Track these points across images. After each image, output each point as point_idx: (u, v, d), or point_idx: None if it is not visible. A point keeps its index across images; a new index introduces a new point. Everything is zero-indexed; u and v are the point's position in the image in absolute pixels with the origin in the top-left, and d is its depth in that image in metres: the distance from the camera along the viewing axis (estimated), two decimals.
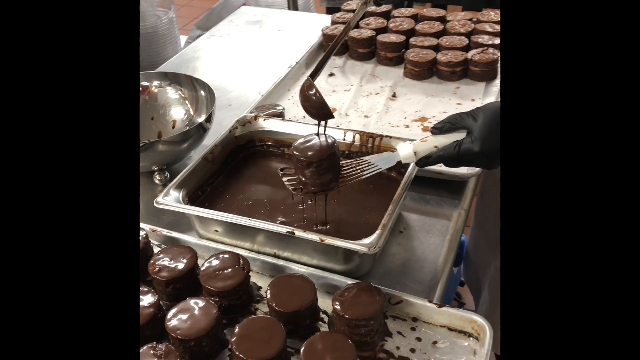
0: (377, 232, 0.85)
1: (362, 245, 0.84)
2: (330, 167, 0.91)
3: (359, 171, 0.91)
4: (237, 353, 0.76)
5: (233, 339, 0.78)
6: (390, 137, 1.07)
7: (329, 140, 0.93)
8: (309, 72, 1.55)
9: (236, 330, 0.79)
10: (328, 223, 0.98)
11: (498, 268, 1.33)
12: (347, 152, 1.11)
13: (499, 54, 1.43)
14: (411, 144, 0.88)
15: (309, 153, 0.91)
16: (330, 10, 2.61)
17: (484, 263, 1.44)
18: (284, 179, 0.95)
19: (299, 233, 0.88)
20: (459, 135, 0.84)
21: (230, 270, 0.88)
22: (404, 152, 0.88)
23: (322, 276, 0.90)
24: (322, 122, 0.96)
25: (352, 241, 0.85)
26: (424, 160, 0.87)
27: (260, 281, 0.94)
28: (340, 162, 0.95)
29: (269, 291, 0.85)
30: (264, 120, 1.17)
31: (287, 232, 0.88)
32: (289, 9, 2.32)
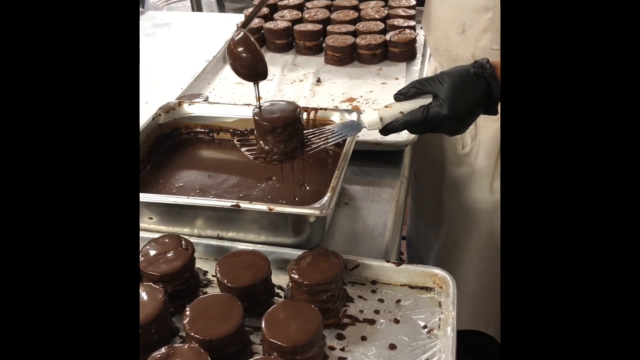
0: (328, 194, 0.81)
1: (314, 208, 0.80)
2: (294, 133, 0.84)
3: (323, 139, 0.86)
4: (192, 333, 0.69)
5: (185, 320, 0.70)
6: (325, 109, 1.05)
7: (292, 106, 0.87)
8: (227, 67, 1.51)
9: (187, 311, 0.72)
10: (284, 198, 0.94)
11: (441, 245, 1.33)
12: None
13: (416, 34, 1.46)
14: (375, 110, 0.83)
15: (273, 118, 0.84)
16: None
17: (426, 244, 1.44)
18: (243, 149, 0.88)
19: (244, 205, 0.82)
20: (425, 100, 0.80)
21: (172, 253, 0.80)
22: (369, 118, 0.82)
23: (272, 251, 0.85)
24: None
25: (303, 206, 0.81)
26: (389, 127, 0.82)
27: (206, 266, 0.87)
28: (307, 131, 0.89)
29: (218, 269, 0.78)
30: (189, 105, 1.10)
31: (232, 205, 0.82)
32: (193, 10, 2.27)
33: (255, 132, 0.87)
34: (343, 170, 0.87)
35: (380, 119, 0.81)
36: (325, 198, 0.81)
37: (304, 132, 0.88)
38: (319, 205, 0.80)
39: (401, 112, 0.81)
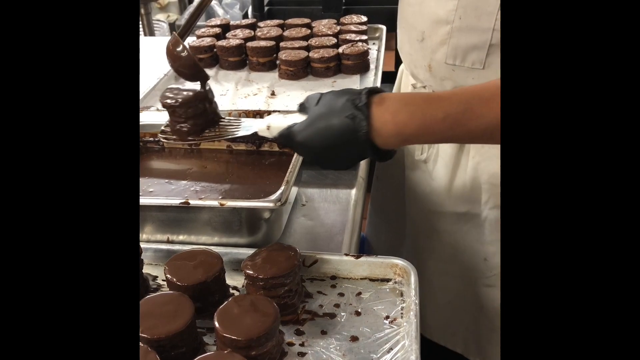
0: (282, 187, 0.79)
1: (268, 201, 0.77)
2: (196, 114, 0.83)
3: (229, 132, 0.83)
4: (140, 334, 0.64)
5: None
6: (279, 111, 1.02)
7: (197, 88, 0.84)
8: (178, 84, 1.49)
9: None
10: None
11: (406, 253, 1.28)
12: None
13: (368, 47, 1.47)
14: (272, 116, 0.78)
15: (172, 96, 0.84)
16: None
17: (389, 249, 1.39)
18: (160, 135, 0.87)
19: (194, 202, 0.78)
20: (302, 118, 0.73)
21: None
22: (259, 124, 0.77)
23: (226, 252, 0.81)
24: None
25: (256, 200, 0.78)
26: (277, 139, 0.76)
27: (155, 271, 0.82)
28: (223, 119, 0.86)
29: (167, 269, 0.74)
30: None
31: (181, 203, 0.78)
32: (145, 35, 2.26)
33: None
34: (297, 164, 0.85)
35: (268, 127, 0.76)
36: (280, 191, 0.78)
37: (222, 119, 0.86)
38: (273, 198, 0.77)
39: (295, 123, 0.74)
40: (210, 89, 0.86)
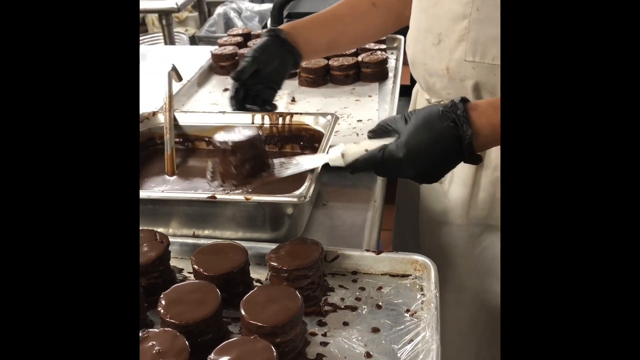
0: (306, 183, 0.81)
1: (292, 196, 0.79)
2: (249, 158, 0.88)
3: (284, 169, 0.87)
4: (167, 319, 0.66)
5: (161, 307, 0.68)
6: (301, 113, 1.05)
7: (250, 130, 0.91)
8: (202, 90, 1.53)
9: (163, 297, 0.69)
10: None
11: None
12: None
13: (387, 56, 1.50)
14: (341, 145, 0.81)
15: (224, 141, 0.89)
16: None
17: None
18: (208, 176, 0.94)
19: (221, 196, 0.81)
20: (390, 140, 0.76)
21: (146, 245, 0.78)
22: (332, 154, 0.81)
23: (250, 246, 0.83)
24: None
25: (281, 195, 0.80)
26: (353, 165, 0.79)
27: (181, 264, 0.85)
28: (271, 159, 0.92)
29: (194, 259, 0.76)
30: (164, 114, 1.10)
31: (208, 197, 0.81)
32: (166, 44, 2.31)
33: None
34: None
35: (342, 155, 0.79)
36: (303, 187, 0.80)
37: (271, 159, 0.91)
38: (297, 194, 0.79)
39: (366, 150, 0.78)
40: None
